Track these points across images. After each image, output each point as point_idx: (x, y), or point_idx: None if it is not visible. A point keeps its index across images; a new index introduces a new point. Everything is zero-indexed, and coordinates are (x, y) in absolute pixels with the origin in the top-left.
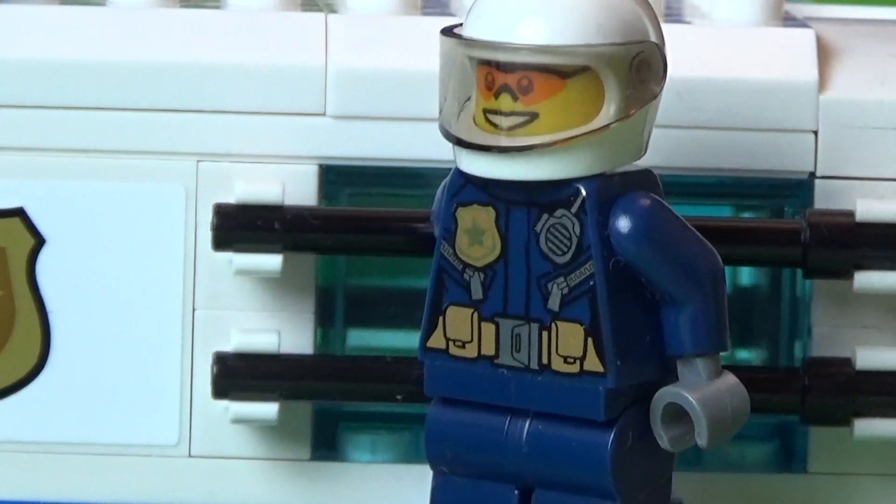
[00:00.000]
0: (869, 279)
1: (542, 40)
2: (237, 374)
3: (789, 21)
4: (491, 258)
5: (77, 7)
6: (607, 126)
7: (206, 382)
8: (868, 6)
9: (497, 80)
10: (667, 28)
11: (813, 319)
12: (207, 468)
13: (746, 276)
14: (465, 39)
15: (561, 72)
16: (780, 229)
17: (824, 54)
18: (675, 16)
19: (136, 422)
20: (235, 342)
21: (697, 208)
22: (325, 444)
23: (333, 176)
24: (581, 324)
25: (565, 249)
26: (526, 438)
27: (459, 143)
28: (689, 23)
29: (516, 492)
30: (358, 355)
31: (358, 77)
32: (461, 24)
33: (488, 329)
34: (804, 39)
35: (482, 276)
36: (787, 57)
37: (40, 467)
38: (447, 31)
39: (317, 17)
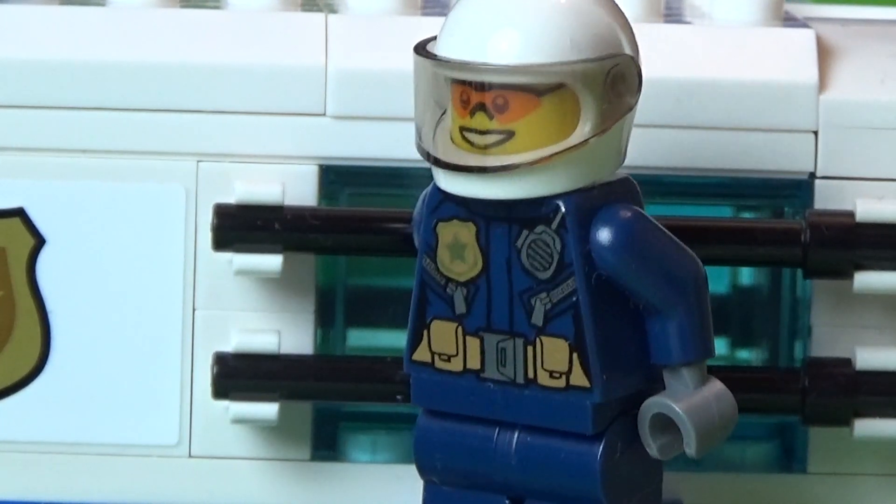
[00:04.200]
0: (869, 279)
1: (516, 59)
2: (237, 375)
3: (789, 21)
4: (473, 273)
5: (77, 7)
6: (585, 142)
7: (206, 382)
8: (868, 6)
9: (472, 99)
10: (667, 28)
11: (813, 319)
12: (207, 468)
13: (746, 276)
14: (439, 59)
15: (535, 90)
16: (780, 229)
17: (824, 54)
18: (675, 16)
19: (136, 422)
20: (235, 342)
21: (697, 208)
22: (325, 444)
23: (333, 176)
24: (566, 339)
25: (547, 265)
26: (515, 450)
27: (437, 163)
28: (689, 23)
29: (507, 502)
30: (358, 355)
31: (358, 77)
32: (435, 38)
33: (473, 343)
34: (804, 39)
35: (465, 290)
36: (787, 57)
37: (40, 467)
38: (420, 50)
39: (317, 17)
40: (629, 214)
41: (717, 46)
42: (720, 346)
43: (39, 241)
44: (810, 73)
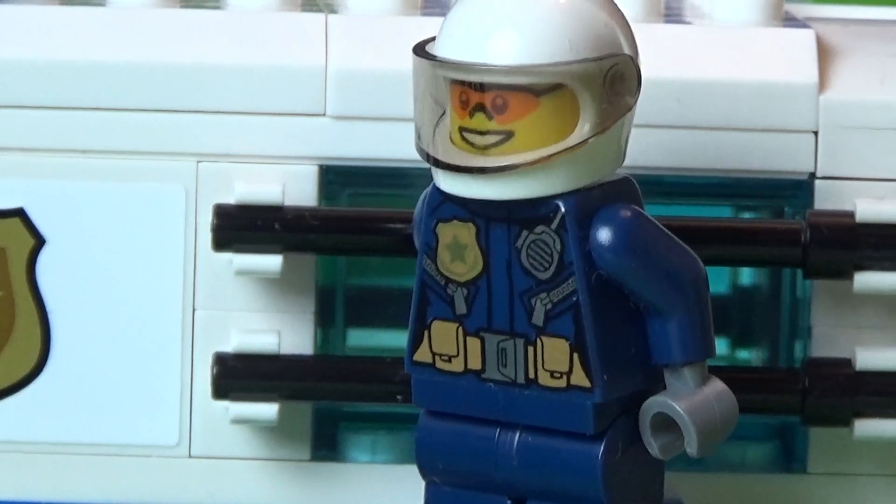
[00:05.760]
0: (869, 279)
1: (514, 60)
2: (237, 375)
3: (789, 21)
4: (473, 274)
5: (77, 7)
6: (585, 142)
7: (206, 383)
8: (868, 6)
9: (471, 100)
10: (667, 28)
11: (813, 319)
12: (207, 468)
13: (746, 276)
14: (438, 60)
15: (534, 90)
16: (780, 229)
17: (824, 54)
18: (675, 16)
19: (136, 422)
20: (235, 342)
21: (697, 208)
22: (325, 444)
23: (333, 176)
24: (566, 339)
25: (547, 265)
26: (516, 450)
27: (437, 164)
28: (689, 23)
29: (508, 502)
30: (358, 355)
31: (358, 77)
32: (434, 39)
33: (474, 344)
34: (804, 39)
35: (465, 291)
36: (787, 57)
37: (40, 467)
38: (419, 51)
39: (317, 17)
40: (629, 214)
41: (717, 46)
42: (720, 346)
43: (39, 242)
44: (810, 73)
